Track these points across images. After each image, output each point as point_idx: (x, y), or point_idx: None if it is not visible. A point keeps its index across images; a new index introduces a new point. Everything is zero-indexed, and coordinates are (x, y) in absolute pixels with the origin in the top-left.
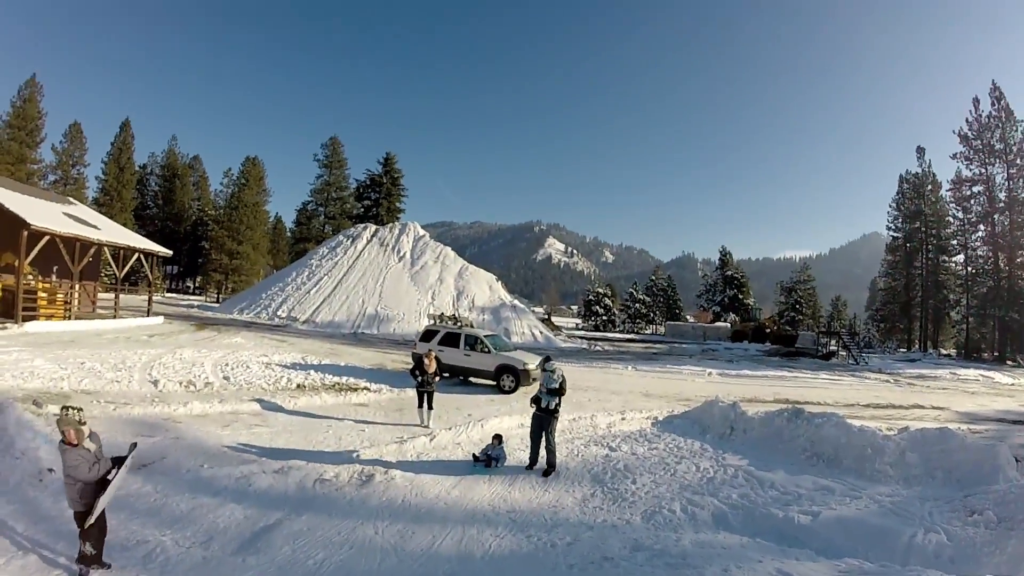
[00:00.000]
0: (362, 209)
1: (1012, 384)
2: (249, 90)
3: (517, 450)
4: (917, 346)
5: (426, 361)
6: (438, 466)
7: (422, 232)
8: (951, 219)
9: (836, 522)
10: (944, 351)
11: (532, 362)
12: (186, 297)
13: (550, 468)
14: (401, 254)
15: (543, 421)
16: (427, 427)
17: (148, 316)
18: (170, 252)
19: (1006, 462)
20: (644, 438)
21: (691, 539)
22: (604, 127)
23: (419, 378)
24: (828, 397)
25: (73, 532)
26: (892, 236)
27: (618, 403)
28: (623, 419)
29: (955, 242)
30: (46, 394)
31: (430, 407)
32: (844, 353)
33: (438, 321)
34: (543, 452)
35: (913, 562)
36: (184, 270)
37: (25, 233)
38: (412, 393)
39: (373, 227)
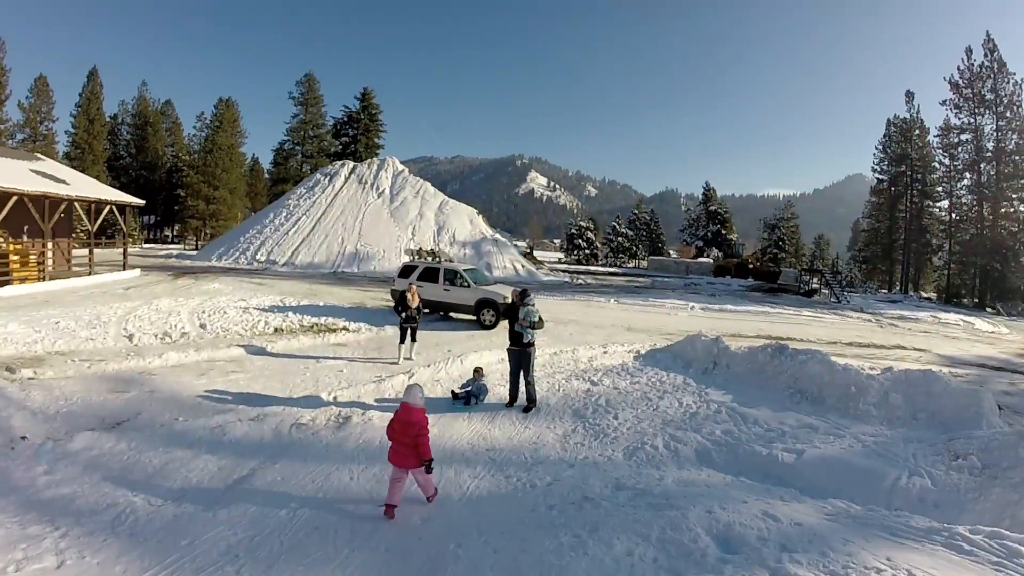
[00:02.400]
0: (340, 146)
1: (992, 331)
2: (220, 24)
3: (498, 386)
4: (898, 288)
5: (408, 296)
6: None
7: (401, 167)
8: (937, 165)
9: (820, 461)
10: (925, 295)
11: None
12: (165, 247)
13: (530, 404)
14: (380, 190)
15: (520, 356)
16: (410, 359)
17: (124, 270)
18: (143, 202)
19: (989, 409)
20: (626, 372)
21: (674, 477)
22: (587, 55)
23: (403, 314)
24: (810, 334)
25: (44, 501)
26: (877, 178)
27: (600, 336)
28: (605, 353)
29: (940, 188)
30: (19, 359)
31: (413, 340)
32: (826, 291)
33: (416, 256)
34: (523, 387)
35: (897, 505)
36: (162, 219)
37: None
38: (392, 331)
39: (351, 164)
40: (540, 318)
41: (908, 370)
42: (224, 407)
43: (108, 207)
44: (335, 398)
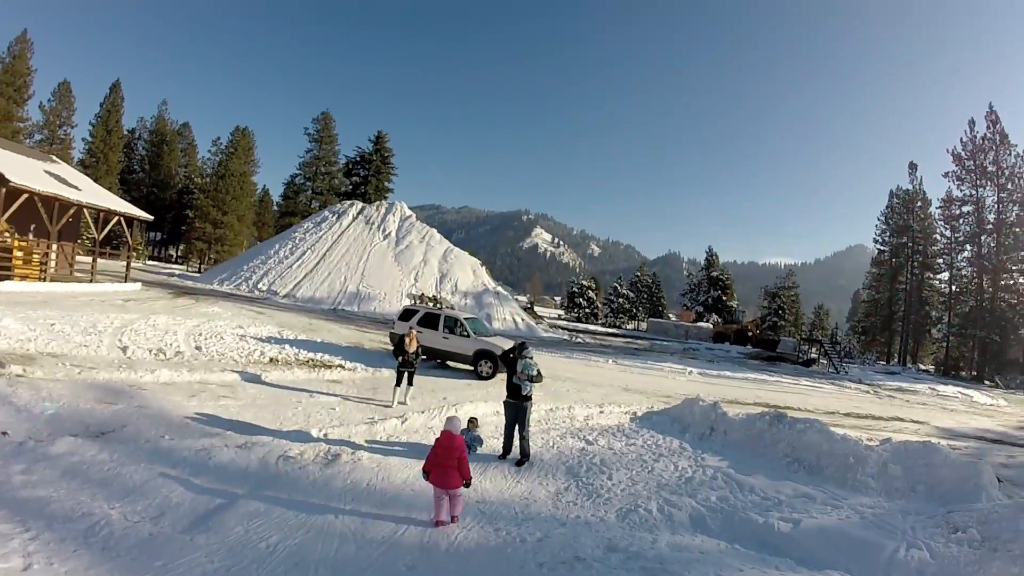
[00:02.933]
0: (350, 186)
1: (990, 404)
2: (243, 57)
3: (491, 438)
4: (896, 360)
5: (407, 340)
6: (409, 450)
7: (409, 212)
8: (938, 237)
9: (817, 531)
10: (923, 367)
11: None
12: (167, 265)
13: (523, 458)
14: (386, 233)
15: (517, 409)
16: (404, 403)
17: (126, 281)
18: (151, 217)
19: (989, 481)
20: (622, 433)
21: (667, 541)
22: (598, 120)
23: (400, 357)
24: (808, 404)
25: (17, 500)
26: (879, 249)
27: (597, 396)
28: (601, 412)
29: (941, 260)
30: (11, 355)
31: (410, 384)
32: (824, 361)
33: (417, 301)
34: (517, 441)
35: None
36: (167, 238)
37: (3, 190)
38: (388, 373)
39: (360, 204)
40: (539, 371)
41: (907, 442)
42: (212, 431)
43: (116, 218)
44: (325, 435)
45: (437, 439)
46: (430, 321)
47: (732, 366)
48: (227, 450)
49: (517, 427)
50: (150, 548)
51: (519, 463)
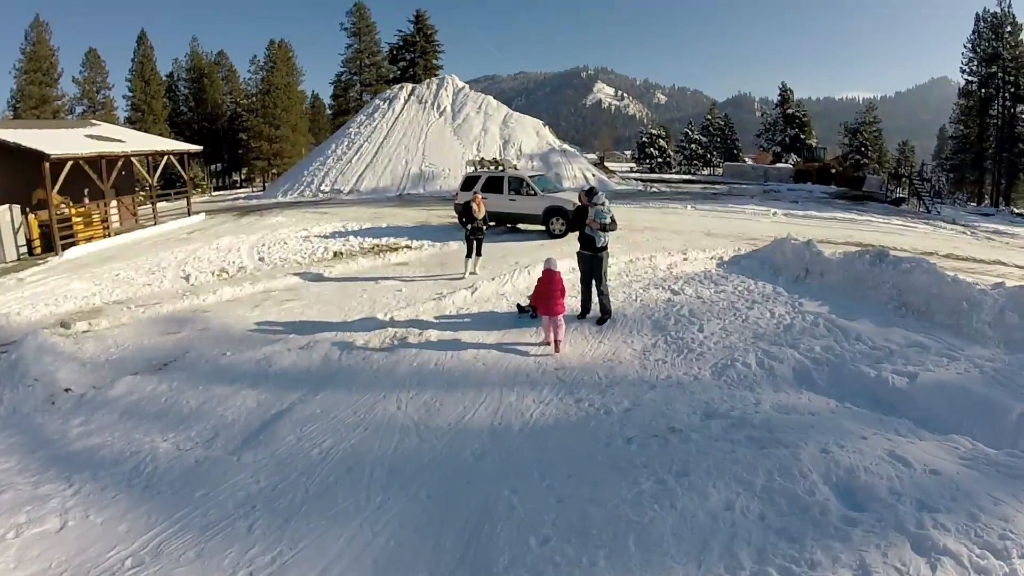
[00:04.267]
0: (398, 72)
1: None
2: None
3: (570, 296)
4: (988, 200)
5: (474, 206)
6: (480, 320)
7: (461, 84)
8: None
9: (936, 388)
10: (1017, 209)
11: None
12: (233, 192)
13: (604, 315)
14: (441, 109)
15: (592, 262)
16: (475, 274)
17: (189, 216)
18: (200, 148)
19: None
20: (709, 280)
21: (772, 401)
22: None
23: (468, 225)
24: (903, 243)
25: (69, 455)
26: (966, 80)
27: (679, 243)
28: (685, 259)
29: None
30: (78, 313)
31: (478, 254)
32: (914, 200)
33: (478, 167)
34: (595, 298)
35: None
36: (228, 165)
37: (47, 164)
38: (456, 246)
39: (409, 86)
40: (612, 218)
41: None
42: (274, 337)
43: (166, 157)
44: (392, 318)
45: (539, 278)
46: (494, 185)
47: (817, 206)
48: (288, 354)
49: (594, 282)
50: (193, 477)
51: (600, 321)
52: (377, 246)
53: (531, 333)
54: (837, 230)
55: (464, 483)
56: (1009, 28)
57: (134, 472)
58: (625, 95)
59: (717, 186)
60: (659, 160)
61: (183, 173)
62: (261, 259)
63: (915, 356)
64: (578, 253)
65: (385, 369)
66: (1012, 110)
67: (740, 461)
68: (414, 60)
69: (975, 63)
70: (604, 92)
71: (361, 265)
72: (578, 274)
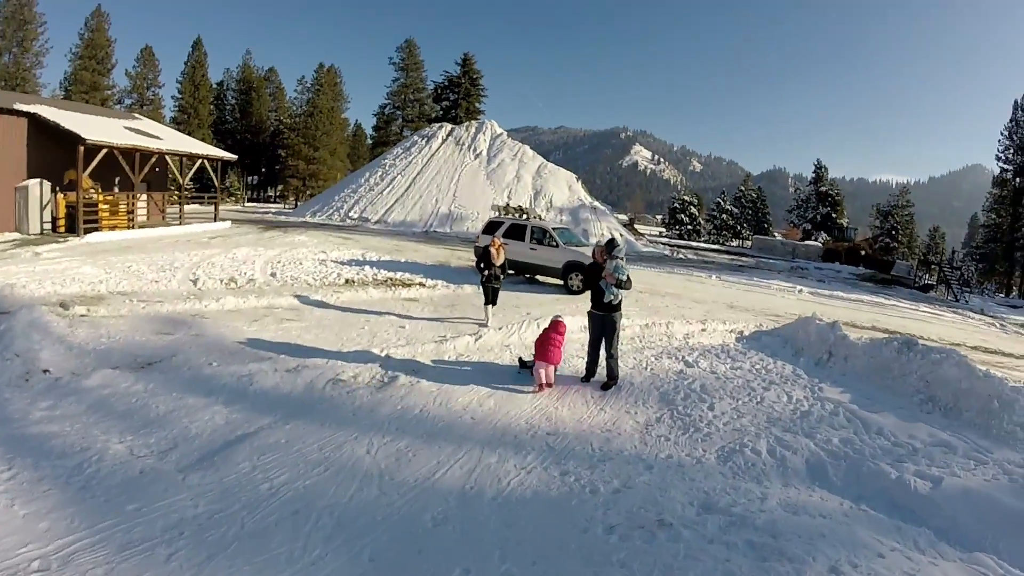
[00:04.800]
0: (441, 111)
1: None
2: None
3: (576, 356)
4: (1017, 292)
5: (492, 251)
6: (478, 370)
7: (499, 130)
8: None
9: (962, 496)
10: None
11: None
12: (266, 205)
13: (610, 380)
14: (477, 152)
15: (604, 322)
16: (485, 325)
17: (215, 221)
18: (234, 157)
19: None
20: (726, 354)
21: (780, 498)
22: (695, 30)
23: (485, 272)
24: (930, 332)
25: (22, 437)
26: (1001, 168)
27: (699, 312)
28: (703, 330)
29: None
30: (81, 297)
31: (493, 302)
32: (942, 288)
33: (502, 212)
34: (603, 361)
35: None
36: (264, 179)
37: (81, 148)
38: (470, 289)
39: (449, 126)
40: (628, 277)
41: None
42: (264, 355)
43: (200, 161)
44: (387, 355)
45: (545, 329)
46: (516, 232)
47: (844, 287)
48: (273, 374)
49: (604, 344)
50: (133, 488)
51: (605, 386)
52: (391, 279)
53: (529, 390)
54: (863, 313)
55: (415, 552)
56: None
57: (76, 469)
58: (661, 159)
59: (744, 258)
60: (689, 227)
61: (215, 179)
62: (273, 275)
63: (940, 457)
64: (589, 312)
65: (367, 407)
66: None
67: (734, 574)
68: (457, 101)
69: (1011, 151)
70: (641, 155)
71: (370, 296)
72: (587, 335)
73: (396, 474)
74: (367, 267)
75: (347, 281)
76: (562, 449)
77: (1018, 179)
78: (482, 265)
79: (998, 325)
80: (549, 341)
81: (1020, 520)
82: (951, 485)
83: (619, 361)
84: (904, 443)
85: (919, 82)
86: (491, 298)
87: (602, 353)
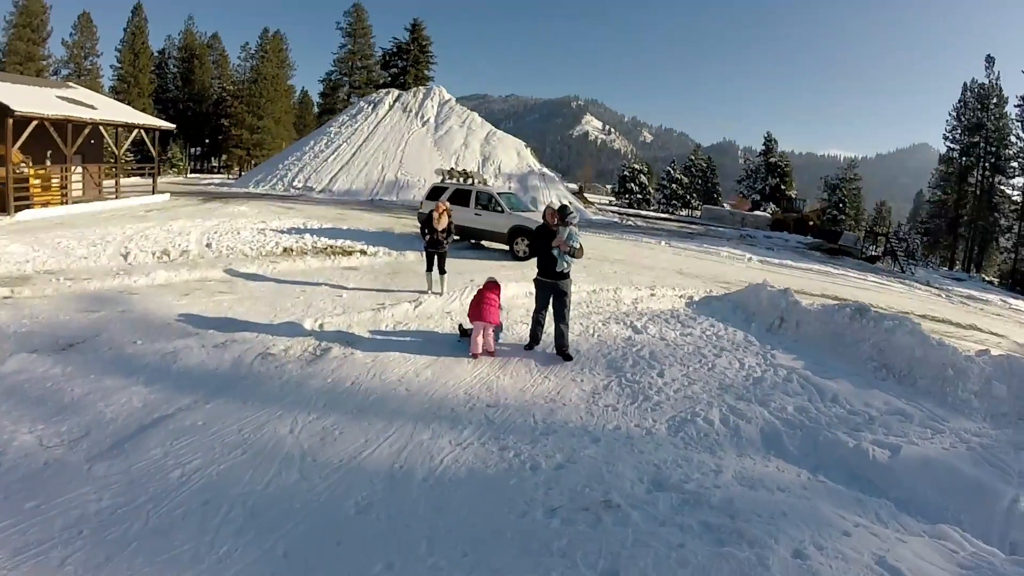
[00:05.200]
0: (389, 78)
1: None
2: None
3: (520, 323)
4: (960, 266)
5: (435, 215)
6: (417, 339)
7: (448, 96)
8: (1014, 139)
9: (921, 465)
10: (986, 277)
11: None
12: (209, 176)
13: (560, 351)
14: (425, 119)
15: (554, 291)
16: (438, 294)
17: (153, 194)
18: (172, 126)
19: None
20: (676, 320)
21: (735, 470)
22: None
23: (428, 236)
24: (879, 301)
25: None
26: (948, 147)
27: (648, 278)
28: (653, 295)
29: (1015, 164)
30: (4, 278)
31: (441, 271)
32: (889, 259)
33: (447, 177)
34: (549, 330)
35: (1015, 537)
36: (208, 150)
37: (10, 121)
38: (412, 256)
39: (396, 92)
40: (580, 245)
41: (1011, 356)
42: (192, 331)
43: (136, 131)
44: (321, 326)
45: (479, 290)
46: (461, 197)
47: (793, 255)
48: (200, 351)
49: (554, 313)
50: (34, 484)
51: (565, 357)
52: (331, 247)
53: (469, 359)
54: (813, 281)
55: (333, 544)
56: (995, 100)
57: None
58: (612, 130)
59: (694, 226)
60: (639, 196)
61: (152, 150)
62: (208, 246)
63: (897, 425)
64: (536, 280)
65: (295, 382)
66: (991, 180)
67: (689, 563)
68: (406, 68)
69: (959, 131)
70: (592, 124)
71: (308, 265)
72: (531, 302)
73: (319, 455)
74: (307, 235)
75: (285, 250)
76: (502, 422)
77: (964, 158)
78: (425, 231)
79: (944, 296)
80: (484, 300)
81: (979, 489)
82: (910, 454)
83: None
84: (860, 411)
85: (869, 61)
86: (440, 266)
87: (549, 322)
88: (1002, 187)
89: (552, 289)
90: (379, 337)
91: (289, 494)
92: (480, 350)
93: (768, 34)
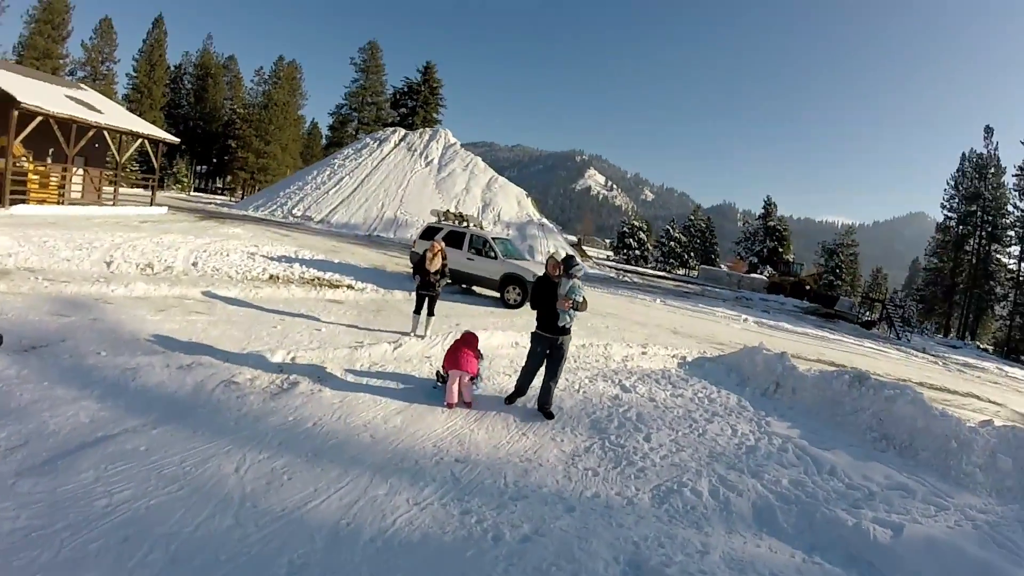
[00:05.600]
0: (397, 117)
1: None
2: None
3: (503, 374)
4: (955, 334)
5: (429, 255)
6: (392, 382)
7: (453, 139)
8: (1012, 208)
9: (925, 546)
10: (981, 345)
11: None
12: (213, 196)
13: (544, 408)
14: (429, 160)
15: (551, 346)
16: (421, 336)
17: (151, 206)
18: (177, 140)
19: None
20: (668, 380)
21: (723, 550)
22: (659, 63)
23: (418, 278)
24: (876, 367)
25: None
26: (945, 215)
27: (641, 335)
28: (644, 353)
29: (1012, 233)
30: None
31: (430, 313)
32: (885, 325)
33: (442, 218)
34: (536, 385)
35: None
36: (215, 169)
37: (15, 112)
38: (400, 296)
39: (402, 131)
40: (584, 298)
41: (1016, 428)
42: (159, 349)
43: (140, 140)
44: (293, 358)
45: (456, 340)
46: (455, 240)
47: (789, 319)
48: (163, 370)
49: (545, 369)
50: None
51: (547, 415)
52: (318, 279)
53: (443, 409)
54: (809, 346)
55: None
56: (993, 170)
57: None
58: (615, 185)
59: (690, 286)
60: (637, 252)
61: (155, 161)
62: (194, 264)
63: (899, 502)
64: (535, 333)
65: (253, 416)
66: (987, 248)
67: None
68: (415, 109)
69: (956, 200)
70: (595, 179)
71: (292, 294)
72: (518, 350)
73: (261, 500)
74: (297, 264)
75: (271, 277)
76: (469, 481)
77: (961, 227)
78: (416, 272)
79: (940, 363)
80: (460, 349)
81: (987, 572)
82: (913, 534)
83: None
84: (859, 485)
85: (868, 130)
86: (428, 308)
87: (538, 379)
88: (998, 256)
89: (550, 344)
90: (352, 377)
91: (218, 542)
92: (456, 400)
93: (770, 103)
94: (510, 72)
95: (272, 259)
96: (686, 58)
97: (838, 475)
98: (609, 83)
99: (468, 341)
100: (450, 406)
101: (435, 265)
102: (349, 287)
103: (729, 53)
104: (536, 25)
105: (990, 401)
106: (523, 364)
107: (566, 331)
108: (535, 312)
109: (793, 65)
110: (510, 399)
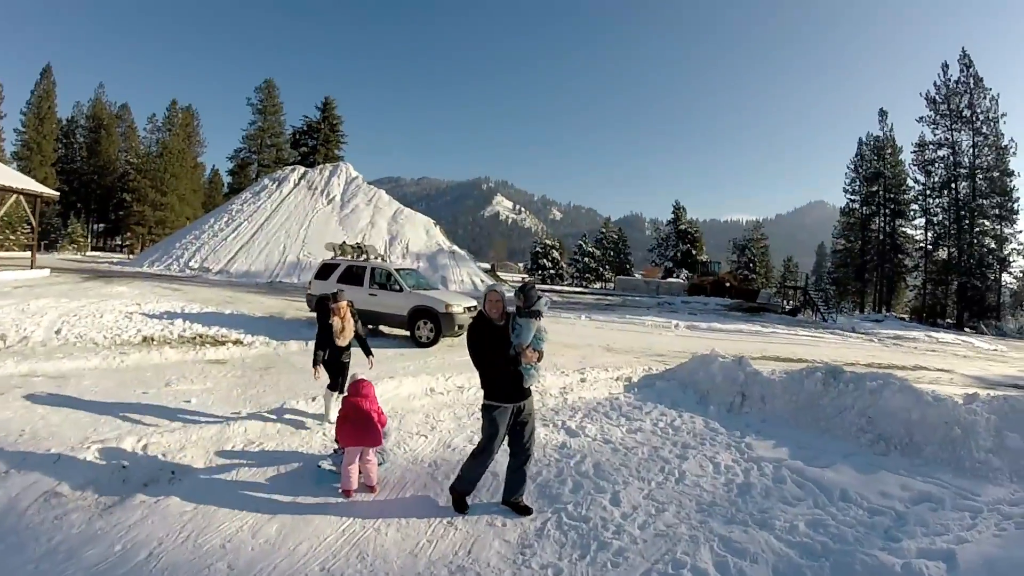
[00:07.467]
0: (299, 157)
1: (995, 349)
2: (184, 28)
3: (416, 435)
4: (871, 308)
5: (335, 322)
6: (270, 468)
7: (355, 173)
8: (912, 183)
9: (985, 569)
10: (898, 315)
11: (459, 303)
12: (109, 255)
13: (515, 503)
14: (331, 197)
15: (517, 416)
16: (331, 422)
17: (31, 269)
18: (56, 194)
19: None
20: (618, 411)
21: None
22: (556, 86)
23: (321, 351)
24: (821, 355)
25: None
26: (848, 199)
27: (574, 359)
28: (583, 380)
29: (915, 206)
30: None
31: (341, 391)
32: (809, 310)
33: (338, 253)
34: (501, 472)
35: None
36: (112, 227)
37: None
38: (295, 346)
39: (301, 169)
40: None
41: (1008, 397)
42: None
43: (14, 196)
44: (144, 447)
45: (344, 399)
46: (354, 276)
47: (718, 318)
48: None
49: (511, 450)
50: None
51: (522, 511)
52: (200, 336)
53: (336, 505)
54: (748, 343)
55: None
56: (890, 150)
57: None
58: (523, 209)
59: (611, 298)
60: (552, 272)
61: (32, 219)
62: (58, 331)
63: (932, 518)
64: (487, 406)
65: (68, 548)
66: (893, 224)
67: None
68: (315, 147)
69: (858, 183)
70: (503, 204)
71: (165, 358)
72: (432, 399)
73: None
74: (179, 321)
75: (145, 339)
76: None
77: (864, 207)
78: (321, 339)
79: (876, 340)
80: (355, 412)
81: None
82: (967, 560)
83: (468, 439)
84: (882, 507)
85: (764, 123)
86: (338, 383)
87: (503, 463)
88: (904, 229)
89: (515, 416)
90: (217, 465)
91: None
92: (355, 486)
93: (666, 112)
94: (411, 104)
95: (152, 317)
96: (573, 72)
97: (852, 499)
98: (511, 107)
99: (363, 393)
100: (347, 494)
101: (346, 337)
102: (236, 342)
103: (613, 62)
104: (428, 57)
105: (940, 370)
106: (473, 448)
107: (529, 391)
108: (478, 372)
109: (674, 67)
110: (460, 503)
